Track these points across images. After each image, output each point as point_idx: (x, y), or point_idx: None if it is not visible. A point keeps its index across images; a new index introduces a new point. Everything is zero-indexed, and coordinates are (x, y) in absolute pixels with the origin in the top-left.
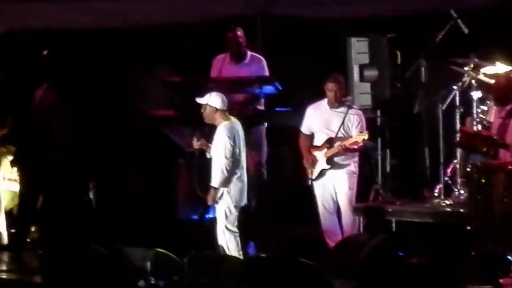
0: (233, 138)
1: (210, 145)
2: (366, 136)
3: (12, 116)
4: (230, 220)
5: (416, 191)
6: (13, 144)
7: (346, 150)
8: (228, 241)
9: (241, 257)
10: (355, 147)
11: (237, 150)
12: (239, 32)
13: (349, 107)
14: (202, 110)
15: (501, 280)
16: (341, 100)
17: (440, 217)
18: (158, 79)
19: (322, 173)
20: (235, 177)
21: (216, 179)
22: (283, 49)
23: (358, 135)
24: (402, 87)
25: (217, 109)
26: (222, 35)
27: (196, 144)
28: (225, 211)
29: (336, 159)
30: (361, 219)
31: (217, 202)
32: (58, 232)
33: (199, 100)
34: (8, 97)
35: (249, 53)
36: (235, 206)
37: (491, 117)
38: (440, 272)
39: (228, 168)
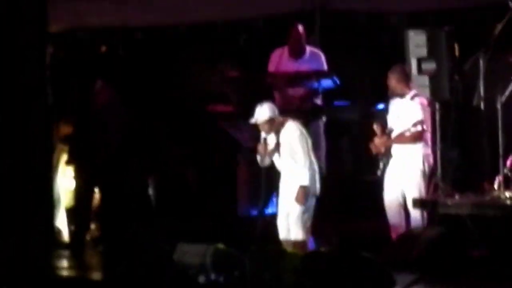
0: (303, 134)
1: (270, 148)
2: (418, 128)
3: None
4: (308, 211)
5: (476, 183)
6: (70, 140)
7: (400, 142)
8: (297, 232)
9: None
10: (410, 138)
11: (309, 145)
12: (300, 29)
13: (412, 98)
14: (262, 128)
15: None
16: (398, 91)
17: (500, 209)
18: (217, 75)
19: (386, 165)
20: (315, 167)
21: (303, 177)
22: (341, 43)
23: (412, 127)
24: (460, 80)
25: (273, 118)
26: (281, 30)
27: (261, 151)
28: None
29: (399, 151)
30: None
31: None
32: (118, 229)
33: (252, 121)
34: (68, 95)
35: (308, 48)
36: (314, 197)
37: None
38: (501, 265)
39: (310, 164)
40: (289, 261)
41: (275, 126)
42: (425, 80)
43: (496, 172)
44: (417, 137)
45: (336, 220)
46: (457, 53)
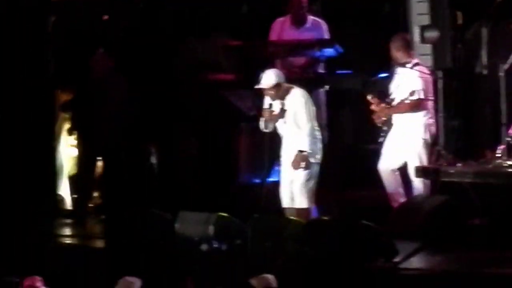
0: (308, 101)
1: (275, 114)
2: (416, 97)
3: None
4: (312, 178)
5: (478, 152)
6: (72, 109)
7: (399, 111)
8: (303, 200)
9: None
10: (408, 107)
11: (313, 113)
12: None
13: (412, 67)
14: (268, 93)
15: None
16: (399, 60)
17: (503, 178)
18: (218, 44)
19: (386, 133)
20: (317, 135)
21: (304, 142)
22: (343, 12)
23: (409, 96)
24: (463, 48)
25: (279, 84)
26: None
27: (266, 116)
28: (308, 171)
29: (400, 120)
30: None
31: (305, 167)
32: (120, 197)
33: (259, 86)
34: (68, 63)
35: (310, 17)
36: (317, 164)
37: None
38: (502, 233)
39: (312, 131)
40: (291, 230)
41: (280, 92)
42: (428, 48)
43: (498, 140)
44: (415, 106)
45: (338, 188)
46: (459, 21)
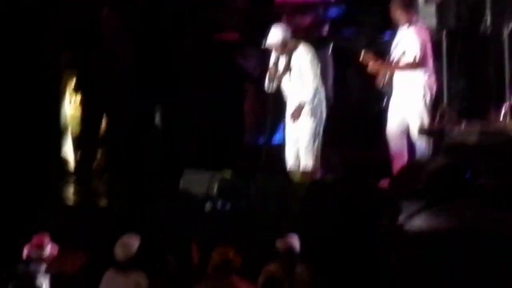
0: (315, 58)
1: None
2: (411, 58)
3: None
4: (317, 138)
5: (482, 112)
6: (77, 67)
7: (396, 69)
8: (309, 160)
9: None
10: (405, 66)
11: (319, 71)
12: None
13: (409, 26)
14: (275, 50)
15: None
16: (398, 20)
17: (507, 137)
18: (225, 4)
19: (388, 96)
20: (322, 95)
21: (306, 95)
22: None
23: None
24: (467, 9)
25: (286, 40)
26: None
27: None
28: (313, 130)
29: (401, 81)
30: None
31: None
32: (124, 156)
33: (266, 44)
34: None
35: None
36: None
37: None
38: (506, 193)
39: (316, 88)
40: (295, 190)
41: (288, 48)
42: (432, 9)
43: (502, 100)
44: (411, 66)
45: (343, 149)
46: None
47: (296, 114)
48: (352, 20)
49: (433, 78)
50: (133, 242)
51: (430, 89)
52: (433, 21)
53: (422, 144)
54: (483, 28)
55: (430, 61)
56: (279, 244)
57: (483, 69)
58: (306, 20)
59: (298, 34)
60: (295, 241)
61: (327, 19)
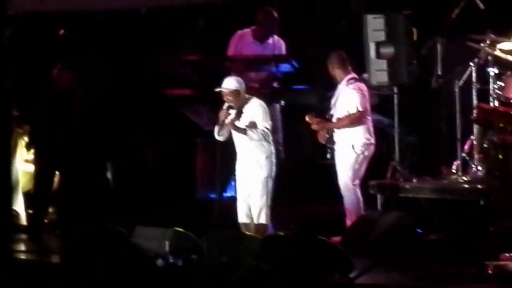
0: (267, 113)
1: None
2: (354, 111)
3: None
4: (268, 193)
5: (434, 167)
6: (29, 124)
7: (338, 126)
8: (261, 215)
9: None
10: (347, 122)
11: (270, 125)
12: (275, 13)
13: (347, 82)
14: (226, 99)
15: None
16: (336, 77)
17: (458, 193)
18: (175, 58)
19: (332, 150)
20: (272, 149)
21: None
22: (299, 27)
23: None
24: (418, 64)
25: (239, 91)
26: (240, 13)
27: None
28: (264, 186)
29: (336, 136)
30: (378, 197)
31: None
32: (76, 212)
33: (219, 89)
34: (25, 77)
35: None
36: (272, 179)
37: (508, 93)
38: (458, 248)
39: (267, 136)
40: (247, 245)
41: (240, 100)
42: (383, 64)
43: (454, 156)
44: (353, 121)
45: (294, 204)
46: (415, 37)
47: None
48: (304, 75)
49: (371, 136)
50: None
51: (368, 147)
52: (384, 76)
53: (348, 198)
54: (434, 83)
55: (369, 119)
56: None
57: (434, 124)
58: (259, 74)
59: (250, 90)
60: None
61: (279, 74)
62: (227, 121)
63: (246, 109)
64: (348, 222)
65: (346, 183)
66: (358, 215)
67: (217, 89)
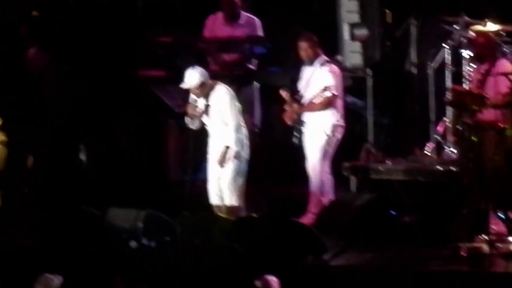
0: (233, 97)
1: (200, 109)
2: (328, 94)
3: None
4: (240, 175)
5: (407, 149)
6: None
7: (311, 109)
8: (232, 197)
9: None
10: (320, 105)
11: (238, 109)
12: None
13: (321, 65)
14: (193, 92)
15: (492, 237)
16: (307, 58)
17: (431, 175)
18: (149, 39)
19: (301, 133)
20: (244, 131)
21: (229, 138)
22: (273, 8)
23: (319, 93)
24: (392, 46)
25: (203, 82)
26: None
27: (190, 112)
28: (235, 168)
29: (306, 118)
30: (351, 179)
31: (227, 162)
32: (49, 193)
33: (183, 86)
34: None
35: (244, 14)
36: (245, 160)
37: None
38: (431, 230)
39: (238, 127)
40: (220, 227)
41: (205, 89)
42: (357, 46)
43: (427, 138)
44: (327, 104)
45: (267, 185)
46: (389, 19)
47: (222, 159)
48: (277, 56)
49: (341, 118)
50: (54, 280)
51: (337, 129)
52: (358, 58)
53: (315, 180)
54: (408, 66)
55: (340, 102)
56: (258, 284)
57: (407, 106)
58: (233, 56)
59: (223, 72)
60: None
61: (253, 55)
62: (196, 113)
63: (213, 97)
64: (311, 205)
65: (314, 165)
66: (322, 197)
67: (183, 86)
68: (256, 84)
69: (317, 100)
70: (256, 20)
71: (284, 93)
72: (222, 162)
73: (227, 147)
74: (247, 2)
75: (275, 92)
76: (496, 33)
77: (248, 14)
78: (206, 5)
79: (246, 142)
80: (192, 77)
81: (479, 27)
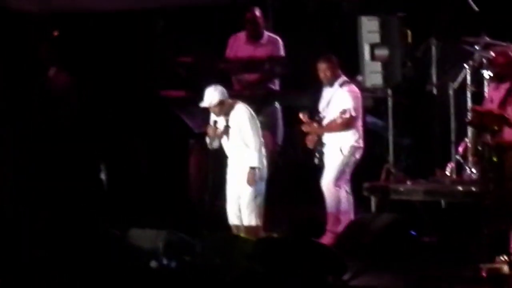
0: (253, 116)
1: (220, 131)
2: (347, 115)
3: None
4: (259, 195)
5: (428, 170)
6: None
7: (330, 129)
8: (251, 217)
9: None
10: (339, 126)
11: (259, 128)
12: (257, 12)
13: (341, 85)
14: (212, 111)
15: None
16: (327, 80)
17: (452, 196)
18: (170, 59)
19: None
20: (262, 154)
21: (253, 158)
22: (295, 29)
23: (339, 114)
24: (413, 66)
25: (222, 101)
26: (237, 15)
27: (210, 134)
28: (254, 188)
29: (326, 138)
30: (372, 199)
31: (260, 181)
32: (71, 215)
33: (202, 105)
34: (19, 79)
35: (266, 33)
36: (263, 180)
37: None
38: (452, 250)
39: (259, 146)
40: (240, 247)
41: (225, 108)
42: (378, 66)
43: (448, 158)
44: (346, 124)
45: (288, 205)
46: (409, 39)
47: (251, 180)
48: (299, 77)
49: (360, 140)
50: None
51: (355, 152)
52: (379, 79)
53: (329, 198)
54: (429, 86)
55: (359, 122)
56: None
57: (428, 127)
58: (254, 76)
59: (244, 92)
60: None
61: (274, 75)
62: (216, 133)
63: (232, 116)
64: (329, 224)
65: (328, 184)
66: (340, 216)
67: (202, 105)
68: (275, 105)
69: (336, 121)
70: (279, 39)
71: (303, 116)
72: (251, 182)
73: (253, 168)
74: (268, 22)
75: (297, 113)
76: None
77: (271, 34)
78: (230, 24)
79: (265, 162)
80: (211, 95)
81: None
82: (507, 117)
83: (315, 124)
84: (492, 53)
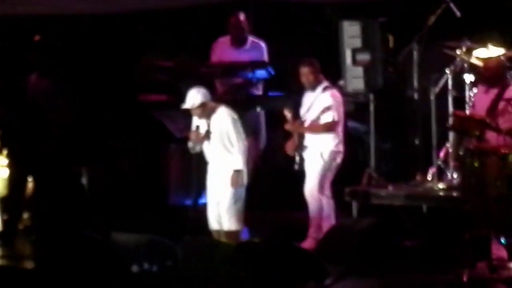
0: (236, 119)
1: (201, 135)
2: (329, 118)
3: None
4: (239, 200)
5: (409, 175)
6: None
7: (312, 130)
8: (231, 222)
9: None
10: (321, 127)
11: (242, 132)
12: (241, 17)
13: (323, 90)
14: (194, 113)
15: (494, 262)
16: (309, 84)
17: (433, 201)
18: (150, 64)
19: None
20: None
21: (238, 161)
22: (276, 33)
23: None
24: (394, 71)
25: (205, 103)
26: (218, 19)
27: (193, 138)
28: (234, 193)
29: (306, 143)
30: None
31: (242, 185)
32: (51, 218)
33: (184, 106)
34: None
35: (250, 38)
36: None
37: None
38: (433, 255)
39: (244, 149)
40: (222, 252)
41: (207, 111)
42: (359, 71)
43: (429, 163)
44: (329, 127)
45: (269, 210)
46: (391, 44)
47: (235, 183)
48: (280, 81)
49: (340, 145)
50: None
51: (336, 156)
52: (360, 83)
53: (313, 204)
54: (410, 91)
55: (341, 127)
56: None
57: (410, 131)
58: (237, 80)
59: (225, 96)
60: None
61: (255, 80)
62: (198, 138)
63: (214, 119)
64: (311, 230)
65: (311, 190)
66: (322, 222)
67: (184, 107)
68: (256, 109)
69: (319, 122)
70: (262, 44)
71: (287, 113)
72: (235, 185)
73: (238, 171)
74: (250, 27)
75: (278, 117)
76: (507, 57)
77: (255, 39)
78: (214, 29)
79: (244, 168)
80: (194, 97)
81: (481, 52)
82: (488, 122)
83: (297, 122)
84: (475, 58)
